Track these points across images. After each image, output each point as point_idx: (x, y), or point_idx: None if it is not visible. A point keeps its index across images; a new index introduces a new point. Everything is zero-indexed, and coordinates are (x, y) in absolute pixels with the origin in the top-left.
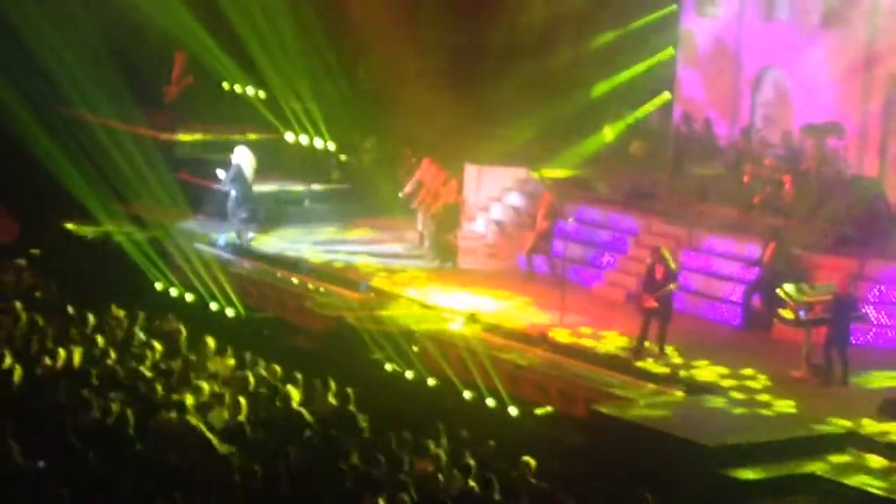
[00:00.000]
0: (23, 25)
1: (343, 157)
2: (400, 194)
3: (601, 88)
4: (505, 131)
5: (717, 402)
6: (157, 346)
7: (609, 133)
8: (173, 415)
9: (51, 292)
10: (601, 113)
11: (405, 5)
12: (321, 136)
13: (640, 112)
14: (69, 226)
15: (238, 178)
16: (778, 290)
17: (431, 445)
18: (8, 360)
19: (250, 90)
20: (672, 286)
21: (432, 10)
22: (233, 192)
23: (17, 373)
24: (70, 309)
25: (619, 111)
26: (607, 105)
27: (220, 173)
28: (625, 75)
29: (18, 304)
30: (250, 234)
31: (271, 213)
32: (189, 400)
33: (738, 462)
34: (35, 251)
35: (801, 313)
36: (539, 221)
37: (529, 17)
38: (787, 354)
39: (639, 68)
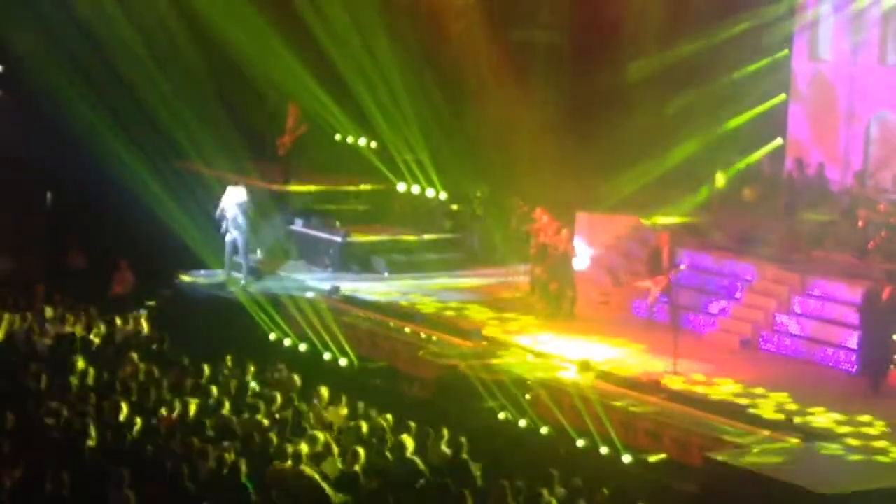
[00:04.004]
0: (139, 81)
1: (454, 207)
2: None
3: (712, 133)
4: (616, 180)
5: (833, 449)
6: (271, 395)
7: (721, 179)
8: (288, 464)
9: (166, 344)
10: (713, 159)
11: (516, 55)
12: (433, 185)
13: (752, 158)
14: (185, 278)
15: (244, 219)
16: (895, 336)
17: (545, 493)
18: (125, 411)
19: (362, 141)
20: None
21: (543, 59)
22: (238, 238)
23: (135, 423)
24: (185, 360)
25: (732, 157)
26: (719, 151)
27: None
28: (737, 121)
29: (135, 356)
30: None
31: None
32: (303, 449)
33: None
34: (151, 303)
35: None
36: (665, 264)
37: (641, 66)
38: None
39: (750, 114)
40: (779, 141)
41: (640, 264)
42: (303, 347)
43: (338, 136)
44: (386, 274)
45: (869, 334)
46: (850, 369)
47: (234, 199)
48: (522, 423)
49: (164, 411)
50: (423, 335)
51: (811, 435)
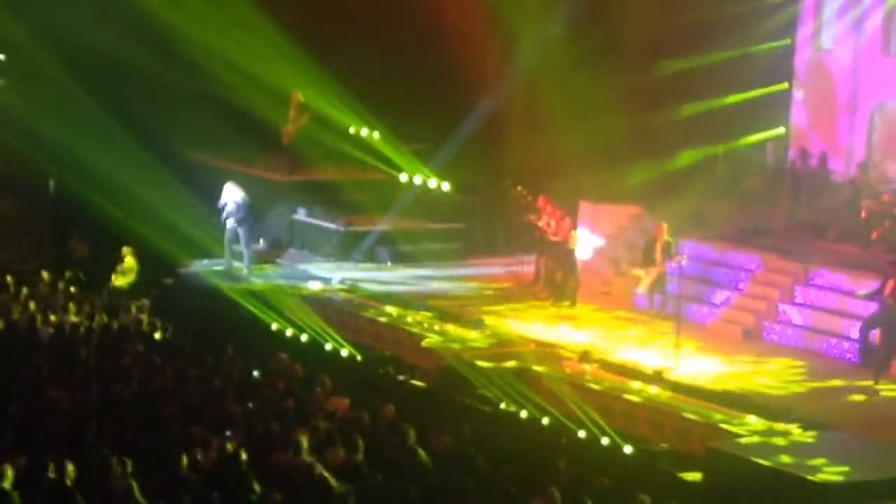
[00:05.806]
0: (145, 72)
1: (458, 197)
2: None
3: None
4: (618, 167)
5: (834, 438)
6: (274, 385)
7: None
8: (290, 454)
9: (169, 332)
10: (714, 131)
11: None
12: (435, 175)
13: (754, 141)
14: (187, 267)
15: (247, 213)
16: None
17: (547, 483)
18: (127, 400)
19: (365, 131)
20: None
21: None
22: (238, 228)
23: (137, 413)
24: (188, 349)
25: (733, 133)
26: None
27: None
28: (737, 98)
29: (138, 346)
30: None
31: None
32: (305, 439)
33: (857, 499)
34: (154, 292)
35: None
36: (658, 257)
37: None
38: None
39: (751, 94)
40: (781, 130)
41: (640, 253)
42: (304, 337)
43: (340, 127)
44: (389, 263)
45: (879, 323)
46: (853, 359)
47: (232, 196)
48: (524, 413)
49: (166, 400)
50: (425, 325)
51: (813, 424)
